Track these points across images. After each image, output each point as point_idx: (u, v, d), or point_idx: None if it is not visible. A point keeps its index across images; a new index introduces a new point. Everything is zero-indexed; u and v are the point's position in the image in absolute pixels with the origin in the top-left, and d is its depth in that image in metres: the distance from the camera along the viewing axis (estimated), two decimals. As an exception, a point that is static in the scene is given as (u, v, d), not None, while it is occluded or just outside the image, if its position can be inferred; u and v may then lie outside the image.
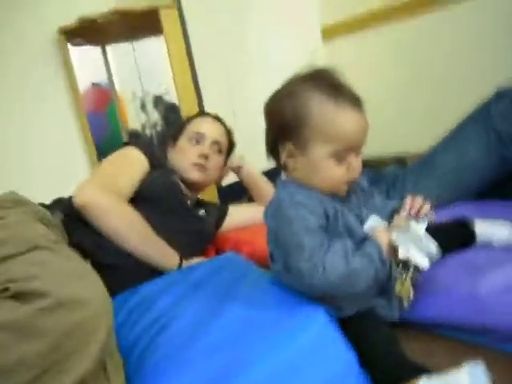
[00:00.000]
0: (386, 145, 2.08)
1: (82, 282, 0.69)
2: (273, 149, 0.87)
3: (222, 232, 1.51)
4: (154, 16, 1.92)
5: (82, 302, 0.64)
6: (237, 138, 1.57)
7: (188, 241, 1.29)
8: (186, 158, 1.41)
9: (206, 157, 1.40)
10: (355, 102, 0.80)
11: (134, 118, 2.74)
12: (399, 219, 0.86)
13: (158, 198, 1.26)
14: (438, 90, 2.20)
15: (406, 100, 2.34)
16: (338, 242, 0.79)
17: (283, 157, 0.84)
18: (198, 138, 1.42)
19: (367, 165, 1.76)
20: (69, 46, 2.12)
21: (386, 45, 2.37)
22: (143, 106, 2.71)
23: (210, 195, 2.04)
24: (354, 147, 0.80)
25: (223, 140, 1.47)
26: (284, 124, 0.81)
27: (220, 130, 1.47)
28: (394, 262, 0.83)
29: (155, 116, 2.72)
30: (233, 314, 0.82)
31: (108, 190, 1.14)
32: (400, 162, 1.48)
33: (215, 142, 1.44)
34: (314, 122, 0.79)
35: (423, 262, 0.81)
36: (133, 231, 1.14)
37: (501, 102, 1.25)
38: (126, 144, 1.39)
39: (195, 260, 1.22)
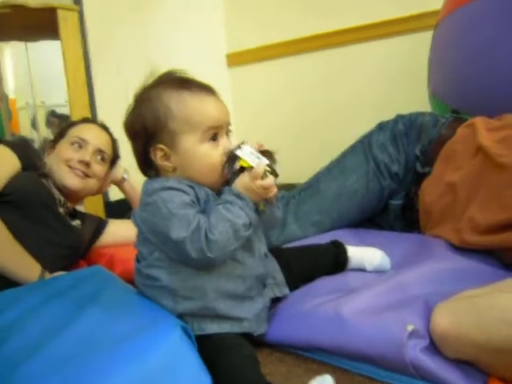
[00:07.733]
0: (282, 174, 2.10)
1: None
2: (145, 161, 0.86)
3: (98, 247, 1.40)
4: (52, 16, 1.80)
5: None
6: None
7: (55, 252, 1.18)
8: (64, 162, 1.30)
9: (86, 164, 1.31)
10: (208, 89, 0.84)
11: (26, 130, 2.49)
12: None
13: (21, 199, 1.14)
14: (334, 124, 2.30)
15: (303, 131, 2.42)
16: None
17: (158, 161, 0.83)
18: (81, 144, 1.32)
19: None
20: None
21: (286, 76, 2.45)
22: (34, 123, 2.46)
23: (97, 210, 1.91)
24: (219, 127, 0.83)
25: (107, 150, 1.38)
26: (148, 129, 0.82)
27: (105, 138, 1.38)
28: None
29: (48, 134, 2.48)
30: (80, 328, 0.73)
31: None
32: (290, 187, 1.48)
33: (99, 151, 1.34)
34: (175, 115, 0.81)
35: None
36: None
37: (381, 133, 1.31)
38: (-3, 143, 1.25)
39: (59, 274, 1.10)
